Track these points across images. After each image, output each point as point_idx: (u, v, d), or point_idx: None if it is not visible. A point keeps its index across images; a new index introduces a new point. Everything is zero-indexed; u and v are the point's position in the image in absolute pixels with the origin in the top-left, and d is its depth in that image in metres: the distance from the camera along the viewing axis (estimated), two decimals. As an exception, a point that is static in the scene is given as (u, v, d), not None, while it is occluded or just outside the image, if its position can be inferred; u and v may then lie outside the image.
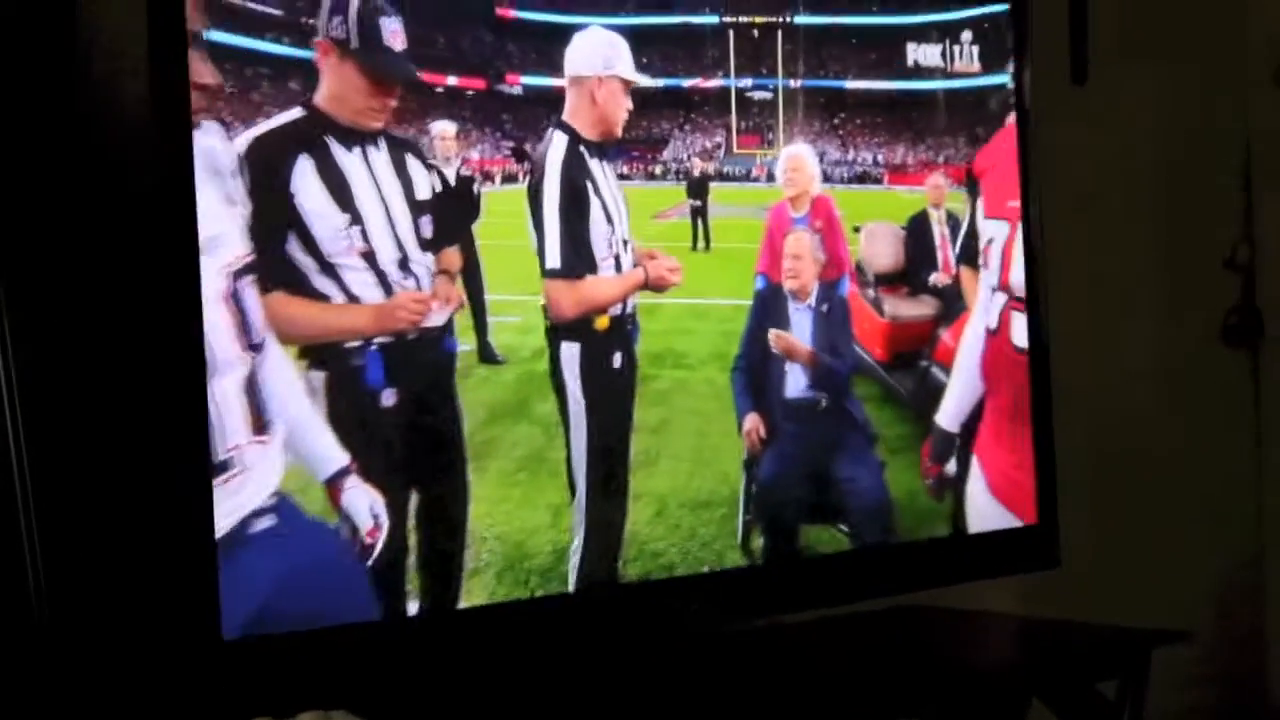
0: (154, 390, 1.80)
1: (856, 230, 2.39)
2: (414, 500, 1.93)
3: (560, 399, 2.09)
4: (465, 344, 2.02)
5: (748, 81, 2.29)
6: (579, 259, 2.10)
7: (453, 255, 2.01)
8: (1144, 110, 3.07)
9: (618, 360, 2.15)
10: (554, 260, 2.09)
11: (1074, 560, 2.46)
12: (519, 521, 2.02)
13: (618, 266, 2.14)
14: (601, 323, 2.13)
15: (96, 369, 1.87)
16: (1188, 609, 2.80)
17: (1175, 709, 2.51)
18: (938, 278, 2.42)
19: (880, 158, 2.41)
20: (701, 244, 2.31)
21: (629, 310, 2.16)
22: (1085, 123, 2.93)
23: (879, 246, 2.41)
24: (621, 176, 2.18)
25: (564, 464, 2.08)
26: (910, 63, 2.41)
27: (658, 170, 2.27)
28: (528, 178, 2.09)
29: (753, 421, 2.25)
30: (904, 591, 2.40)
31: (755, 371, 2.26)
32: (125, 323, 1.88)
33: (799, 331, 2.30)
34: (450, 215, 2.01)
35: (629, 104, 2.13)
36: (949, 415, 2.39)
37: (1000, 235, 2.42)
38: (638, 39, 2.14)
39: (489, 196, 2.07)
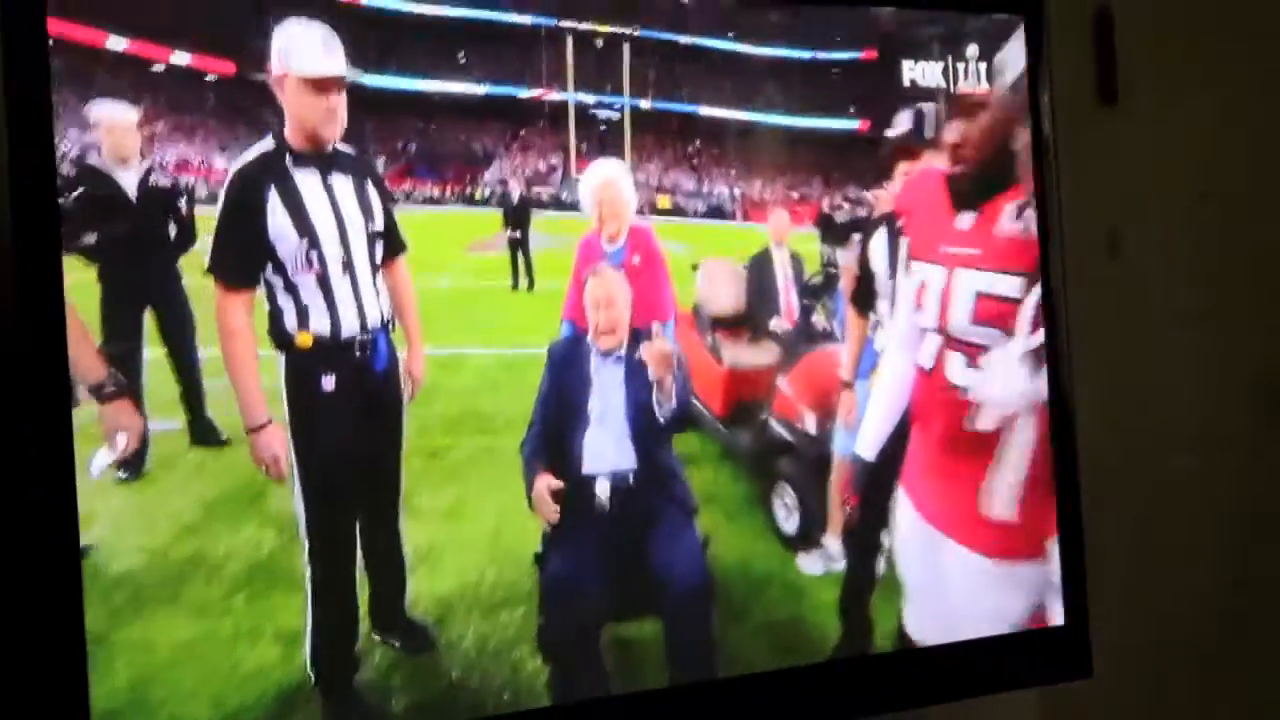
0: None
1: (695, 269, 2.14)
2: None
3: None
4: (168, 421, 1.64)
5: (590, 98, 1.97)
6: (244, 263, 1.75)
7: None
8: (1186, 133, 2.54)
9: (327, 384, 1.82)
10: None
11: (1103, 666, 2.15)
12: (221, 678, 1.62)
13: (324, 287, 1.82)
14: (302, 340, 1.81)
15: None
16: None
17: None
18: (779, 323, 2.16)
19: (736, 191, 2.13)
20: (524, 282, 2.01)
21: (366, 335, 1.84)
22: (1115, 148, 2.47)
23: (718, 286, 2.16)
24: (431, 200, 1.87)
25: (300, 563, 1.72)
26: (772, 94, 2.12)
27: (477, 194, 1.95)
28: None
29: (543, 484, 1.90)
30: (902, 708, 2.06)
31: (551, 443, 1.91)
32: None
33: (607, 390, 1.96)
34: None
35: (331, 105, 1.77)
36: (867, 445, 2.13)
37: (935, 280, 2.12)
38: (463, 35, 1.85)
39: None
